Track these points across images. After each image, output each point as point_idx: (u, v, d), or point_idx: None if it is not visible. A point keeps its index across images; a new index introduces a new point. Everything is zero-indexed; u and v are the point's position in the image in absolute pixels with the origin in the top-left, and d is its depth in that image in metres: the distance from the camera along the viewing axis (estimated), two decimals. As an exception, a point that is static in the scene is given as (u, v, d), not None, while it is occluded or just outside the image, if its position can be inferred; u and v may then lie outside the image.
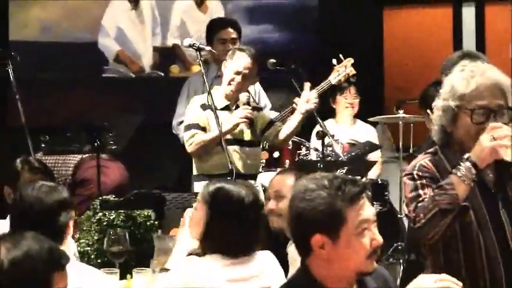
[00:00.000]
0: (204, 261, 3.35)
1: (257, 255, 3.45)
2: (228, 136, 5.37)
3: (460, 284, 2.61)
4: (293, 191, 2.63)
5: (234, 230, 3.37)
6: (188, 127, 5.42)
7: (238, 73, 5.39)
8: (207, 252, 3.38)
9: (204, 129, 5.36)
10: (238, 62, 5.40)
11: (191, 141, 5.37)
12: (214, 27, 6.35)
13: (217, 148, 5.33)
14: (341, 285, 2.60)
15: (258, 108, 5.64)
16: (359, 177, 5.40)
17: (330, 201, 2.52)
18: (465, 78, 3.21)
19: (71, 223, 3.49)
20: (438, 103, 3.29)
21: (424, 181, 3.23)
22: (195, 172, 5.53)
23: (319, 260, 2.56)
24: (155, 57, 8.20)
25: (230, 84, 5.42)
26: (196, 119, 5.37)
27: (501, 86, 3.21)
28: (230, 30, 6.25)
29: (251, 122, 5.34)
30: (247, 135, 5.48)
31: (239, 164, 5.42)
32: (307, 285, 2.61)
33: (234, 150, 5.42)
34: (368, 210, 2.58)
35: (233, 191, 3.43)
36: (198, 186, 5.41)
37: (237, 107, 5.44)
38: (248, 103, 5.38)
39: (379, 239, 2.58)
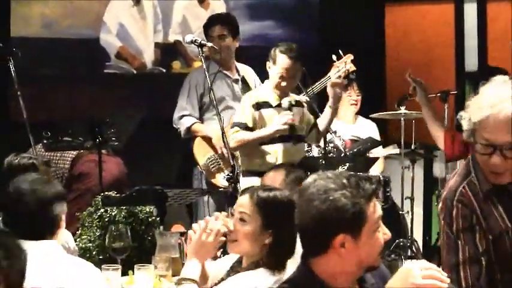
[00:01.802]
0: (257, 276, 3.17)
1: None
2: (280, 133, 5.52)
3: (447, 280, 2.61)
4: (309, 192, 2.57)
5: (291, 240, 3.19)
6: (234, 124, 5.59)
7: (281, 77, 5.54)
8: (255, 267, 3.21)
9: (250, 129, 5.54)
10: (278, 65, 5.54)
11: (232, 137, 5.49)
12: (205, 25, 6.41)
13: (262, 147, 5.55)
14: (345, 283, 2.60)
15: (302, 104, 5.70)
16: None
17: (354, 200, 2.51)
18: (481, 105, 3.07)
19: (64, 216, 3.49)
20: (463, 115, 3.17)
21: (461, 226, 3.20)
22: (242, 168, 5.60)
23: (335, 257, 2.55)
24: (157, 53, 8.20)
25: (277, 88, 5.58)
26: (244, 118, 5.53)
27: None
28: (218, 27, 6.28)
29: (292, 128, 5.44)
30: (296, 131, 5.57)
31: (286, 160, 5.53)
32: (309, 282, 2.60)
33: (284, 146, 5.56)
34: (379, 206, 2.60)
35: (282, 195, 3.25)
36: (244, 182, 5.46)
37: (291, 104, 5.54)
38: (290, 109, 5.47)
39: (389, 233, 2.61)
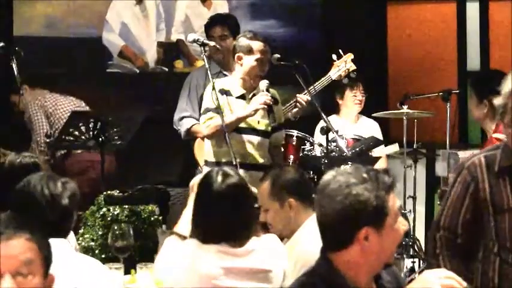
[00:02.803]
0: (201, 247, 3.39)
1: (256, 242, 3.47)
2: (243, 125, 5.43)
3: (464, 284, 2.62)
4: (330, 188, 2.58)
5: (212, 216, 3.42)
6: (206, 110, 5.42)
7: (261, 61, 5.44)
8: (198, 239, 3.42)
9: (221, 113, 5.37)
10: (256, 51, 5.44)
11: (208, 123, 5.37)
12: (206, 25, 6.40)
13: (233, 135, 5.36)
14: (364, 278, 2.62)
15: (275, 101, 5.64)
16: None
17: (376, 193, 2.55)
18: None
19: None
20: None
21: (458, 190, 3.30)
22: (209, 159, 5.49)
23: (357, 251, 2.57)
24: (159, 52, 8.20)
25: (254, 79, 5.45)
26: (213, 103, 5.36)
27: None
28: (219, 27, 6.27)
29: (270, 109, 5.37)
30: (262, 125, 5.50)
31: (253, 154, 5.45)
32: (330, 276, 2.61)
33: (248, 140, 5.45)
34: (396, 197, 2.64)
35: (212, 177, 3.46)
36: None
37: (253, 95, 5.46)
38: (268, 90, 5.39)
39: (407, 224, 2.66)
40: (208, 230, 3.42)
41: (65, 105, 6.66)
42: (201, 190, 3.53)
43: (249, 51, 5.44)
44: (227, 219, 3.42)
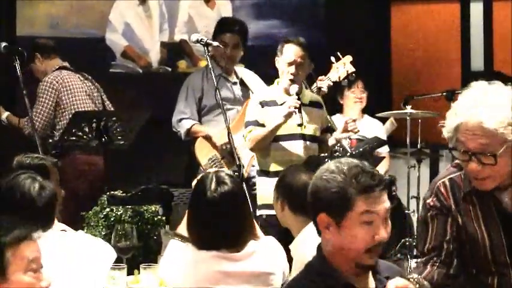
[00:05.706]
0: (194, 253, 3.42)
1: (255, 244, 3.47)
2: (292, 131, 5.39)
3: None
4: (318, 170, 2.70)
5: (205, 225, 3.43)
6: (246, 124, 5.46)
7: (290, 64, 5.39)
8: (193, 245, 3.45)
9: (262, 125, 5.39)
10: (288, 53, 5.40)
11: (248, 137, 5.40)
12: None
13: (276, 144, 5.39)
14: (345, 264, 2.66)
15: (320, 105, 5.63)
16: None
17: (342, 186, 2.60)
18: (454, 110, 3.04)
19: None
20: (444, 123, 3.14)
21: (433, 212, 3.24)
22: (260, 168, 5.50)
23: (327, 238, 2.66)
24: (163, 52, 8.20)
25: (286, 78, 5.41)
26: (254, 116, 5.40)
27: (485, 126, 2.94)
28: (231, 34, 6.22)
29: (299, 110, 5.31)
30: (309, 130, 5.47)
31: (299, 160, 5.39)
32: (318, 261, 2.71)
33: (298, 145, 5.42)
34: (380, 205, 2.62)
35: (206, 184, 3.45)
36: (258, 182, 5.48)
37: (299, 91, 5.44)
38: (297, 94, 5.35)
39: (383, 235, 2.63)
40: (201, 238, 3.43)
41: (81, 97, 6.56)
42: (194, 197, 3.51)
43: (281, 52, 5.45)
44: (220, 229, 3.42)
